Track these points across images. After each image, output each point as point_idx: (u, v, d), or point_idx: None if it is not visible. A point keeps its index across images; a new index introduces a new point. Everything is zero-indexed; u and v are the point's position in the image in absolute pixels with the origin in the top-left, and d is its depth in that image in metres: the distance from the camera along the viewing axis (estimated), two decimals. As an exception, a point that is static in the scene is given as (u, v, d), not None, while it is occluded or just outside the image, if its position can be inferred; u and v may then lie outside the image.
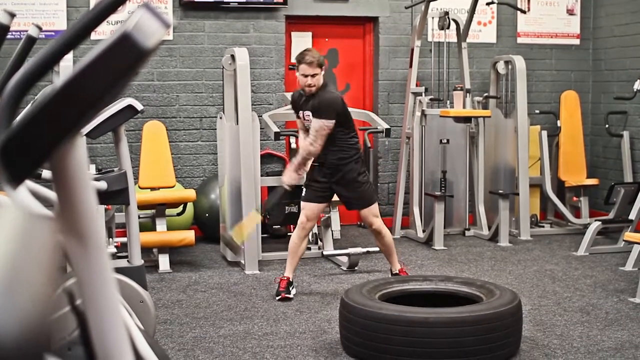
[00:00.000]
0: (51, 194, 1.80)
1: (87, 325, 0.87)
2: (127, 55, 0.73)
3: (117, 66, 0.74)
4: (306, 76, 5.31)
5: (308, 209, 5.48)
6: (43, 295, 0.51)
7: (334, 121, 5.26)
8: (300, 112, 5.47)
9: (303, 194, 5.55)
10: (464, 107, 7.50)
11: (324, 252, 6.48)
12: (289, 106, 7.38)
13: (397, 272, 5.63)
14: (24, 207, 0.62)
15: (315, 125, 5.28)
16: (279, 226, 7.48)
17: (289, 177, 5.47)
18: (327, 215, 6.75)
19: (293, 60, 8.22)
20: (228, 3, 7.67)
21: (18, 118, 0.82)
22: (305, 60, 5.30)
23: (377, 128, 7.01)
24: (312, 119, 5.32)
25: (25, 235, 0.54)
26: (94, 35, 0.85)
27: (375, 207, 5.51)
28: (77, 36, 0.83)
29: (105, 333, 0.82)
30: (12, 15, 2.30)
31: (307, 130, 5.41)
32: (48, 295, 0.52)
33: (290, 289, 5.46)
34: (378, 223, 5.50)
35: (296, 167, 5.43)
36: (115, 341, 0.83)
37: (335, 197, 5.69)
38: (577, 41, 8.75)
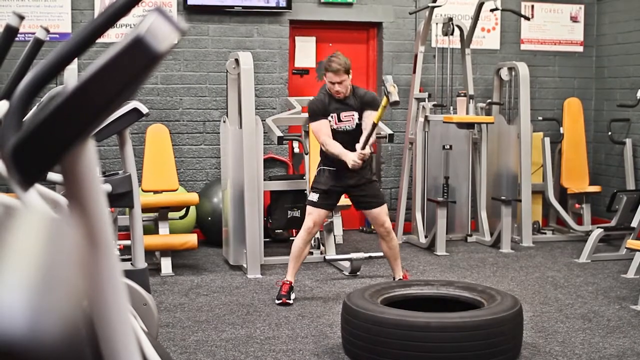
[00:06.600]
0: (56, 196, 1.80)
1: (94, 328, 0.88)
2: (139, 59, 0.74)
3: (129, 70, 0.74)
4: (333, 83, 5.27)
5: (316, 214, 5.41)
6: (77, 296, 0.51)
7: None
8: (334, 114, 5.36)
9: (312, 199, 5.45)
10: (467, 113, 7.50)
11: (327, 257, 6.48)
12: (293, 110, 7.42)
13: (401, 279, 5.62)
14: (42, 209, 0.62)
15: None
16: (281, 230, 7.49)
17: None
18: (329, 220, 6.74)
19: (297, 64, 8.29)
20: (232, 7, 7.69)
21: (27, 120, 0.83)
22: (331, 68, 5.25)
23: (380, 133, 7.01)
24: (367, 112, 5.28)
25: (53, 236, 0.54)
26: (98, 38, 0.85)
27: (386, 206, 5.53)
28: (87, 39, 0.84)
29: (114, 337, 0.83)
30: (21, 18, 2.31)
31: (334, 133, 5.31)
32: (81, 296, 0.52)
33: (291, 293, 5.46)
34: (389, 222, 5.51)
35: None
36: (123, 345, 0.83)
37: (339, 202, 5.67)
38: (580, 48, 8.75)
